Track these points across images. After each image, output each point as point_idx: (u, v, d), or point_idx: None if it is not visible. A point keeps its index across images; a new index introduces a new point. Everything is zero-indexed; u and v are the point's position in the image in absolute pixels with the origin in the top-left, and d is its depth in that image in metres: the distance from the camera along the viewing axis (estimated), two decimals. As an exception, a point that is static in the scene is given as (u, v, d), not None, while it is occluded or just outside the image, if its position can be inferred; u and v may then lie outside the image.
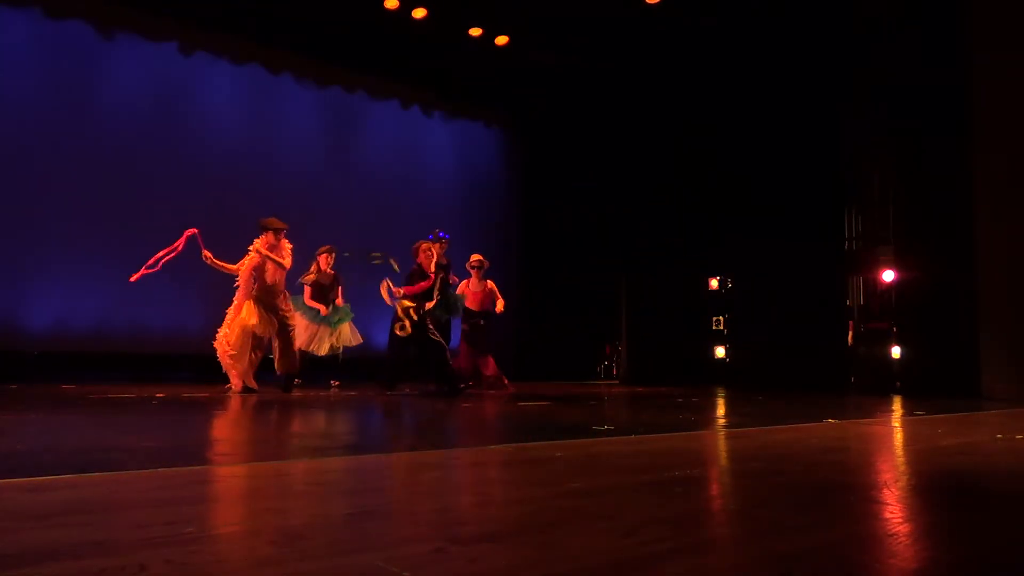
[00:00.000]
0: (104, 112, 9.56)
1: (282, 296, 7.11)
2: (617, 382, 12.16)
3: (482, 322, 8.47)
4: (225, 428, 4.21)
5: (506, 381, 8.36)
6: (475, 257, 8.64)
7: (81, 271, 9.08)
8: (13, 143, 8.83)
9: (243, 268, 7.04)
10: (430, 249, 7.56)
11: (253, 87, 10.78)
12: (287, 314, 7.10)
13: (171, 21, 9.95)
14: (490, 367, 8.41)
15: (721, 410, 6.12)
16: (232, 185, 10.34)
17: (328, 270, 8.28)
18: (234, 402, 5.88)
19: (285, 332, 7.00)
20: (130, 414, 4.79)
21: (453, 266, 8.34)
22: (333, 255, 8.32)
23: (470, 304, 8.42)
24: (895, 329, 9.44)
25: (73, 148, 9.22)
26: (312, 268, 8.23)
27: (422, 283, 7.29)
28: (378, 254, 7.54)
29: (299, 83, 11.16)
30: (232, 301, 7.07)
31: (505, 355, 12.55)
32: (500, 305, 8.43)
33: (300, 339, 7.80)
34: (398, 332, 7.10)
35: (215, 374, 7.16)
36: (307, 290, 8.17)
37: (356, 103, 11.70)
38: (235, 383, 6.77)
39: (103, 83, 9.62)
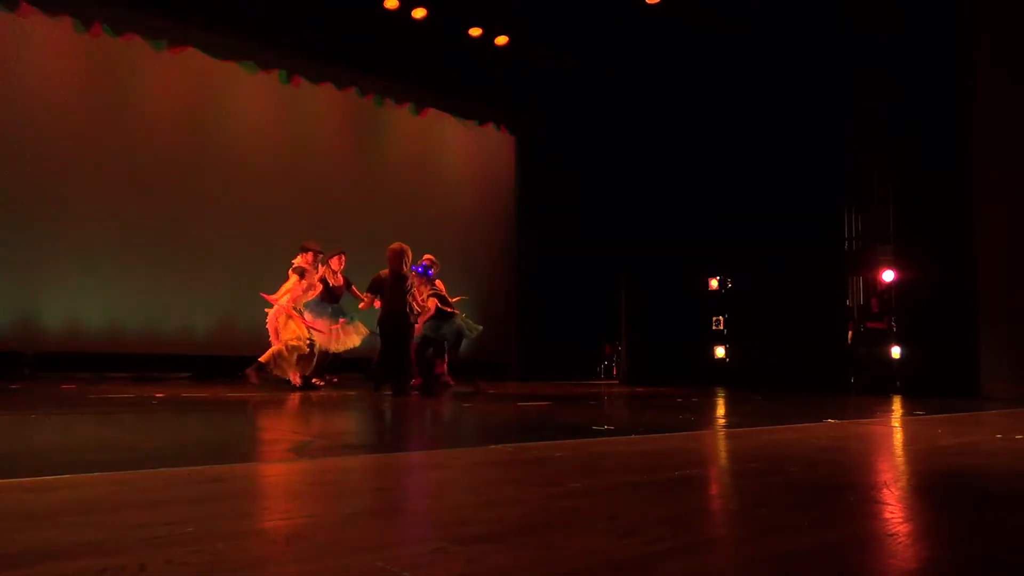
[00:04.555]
0: (109, 112, 9.58)
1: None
2: (617, 382, 12.16)
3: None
4: (225, 428, 4.21)
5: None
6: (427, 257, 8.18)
7: (84, 269, 9.09)
8: (16, 143, 8.84)
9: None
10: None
11: (252, 87, 10.79)
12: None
13: (185, 27, 9.95)
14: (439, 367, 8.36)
15: (721, 410, 6.12)
16: (231, 183, 10.36)
17: (340, 273, 8.47)
18: (233, 402, 5.89)
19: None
20: (130, 414, 4.79)
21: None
22: (344, 258, 8.48)
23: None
24: (895, 329, 9.44)
25: (75, 147, 9.23)
26: (323, 271, 8.24)
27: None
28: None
29: (297, 83, 11.16)
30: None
31: (506, 355, 12.58)
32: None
33: (320, 339, 7.99)
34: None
35: (216, 375, 7.18)
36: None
37: (354, 103, 11.71)
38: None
39: (117, 87, 9.66)
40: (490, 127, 12.98)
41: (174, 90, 10.11)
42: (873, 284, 9.86)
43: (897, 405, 6.60)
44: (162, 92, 10.00)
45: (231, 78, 10.64)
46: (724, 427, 4.70)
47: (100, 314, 9.04)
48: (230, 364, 9.57)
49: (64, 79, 9.29)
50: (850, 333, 10.02)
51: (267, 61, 10.80)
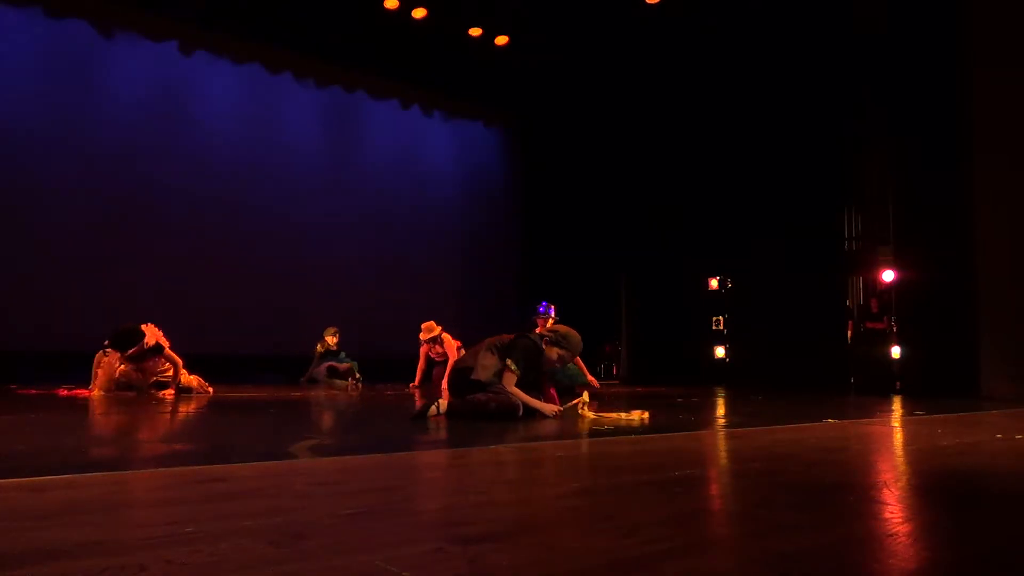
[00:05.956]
0: (104, 111, 9.57)
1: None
2: (617, 382, 12.16)
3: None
4: (224, 428, 4.21)
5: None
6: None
7: (82, 269, 9.08)
8: (15, 142, 8.84)
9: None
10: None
11: (253, 87, 10.79)
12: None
13: (171, 20, 9.95)
14: None
15: (721, 410, 6.12)
16: (231, 183, 10.36)
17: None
18: (232, 402, 5.89)
19: None
20: (129, 414, 4.79)
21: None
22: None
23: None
24: (895, 329, 9.44)
25: (74, 147, 9.23)
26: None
27: None
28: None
29: (299, 83, 11.17)
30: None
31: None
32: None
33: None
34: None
35: (216, 374, 7.20)
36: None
37: (356, 103, 11.71)
38: None
39: (103, 83, 9.64)
40: (494, 128, 13.00)
41: (169, 88, 10.10)
42: (873, 284, 9.86)
43: (897, 405, 6.60)
44: (156, 89, 9.99)
45: (234, 79, 10.64)
46: (724, 427, 4.70)
47: (100, 314, 9.04)
48: (231, 363, 9.59)
49: (61, 79, 9.29)
50: (850, 333, 10.02)
51: (273, 64, 10.82)
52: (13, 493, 1.96)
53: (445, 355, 9.39)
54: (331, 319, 10.12)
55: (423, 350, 9.37)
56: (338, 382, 9.49)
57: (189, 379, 6.83)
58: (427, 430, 3.95)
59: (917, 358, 9.01)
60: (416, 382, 9.15)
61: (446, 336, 9.50)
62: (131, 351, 6.44)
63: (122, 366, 6.60)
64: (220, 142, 10.36)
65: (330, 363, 9.77)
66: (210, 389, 6.93)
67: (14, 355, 8.44)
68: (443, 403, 4.31)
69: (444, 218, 12.24)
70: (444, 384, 8.36)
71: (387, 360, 10.60)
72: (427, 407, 4.27)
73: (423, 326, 9.36)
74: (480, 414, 4.23)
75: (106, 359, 6.59)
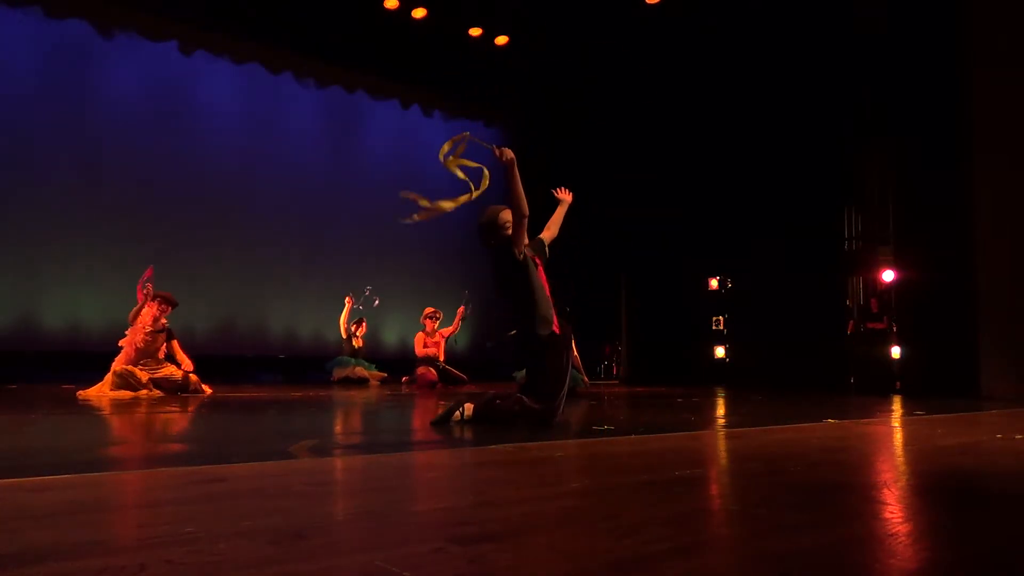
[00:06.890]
0: (104, 111, 9.57)
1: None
2: (617, 382, 12.16)
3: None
4: (224, 428, 4.21)
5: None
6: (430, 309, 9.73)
7: (82, 270, 9.08)
8: (14, 143, 8.84)
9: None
10: None
11: (253, 87, 10.78)
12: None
13: (171, 20, 9.94)
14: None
15: (721, 410, 6.12)
16: (231, 184, 10.36)
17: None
18: (232, 402, 5.89)
19: None
20: (129, 414, 4.79)
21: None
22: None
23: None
24: (895, 329, 9.44)
25: (74, 147, 9.22)
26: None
27: None
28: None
29: (299, 83, 11.16)
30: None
31: (505, 356, 12.58)
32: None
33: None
34: None
35: (215, 374, 7.19)
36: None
37: (356, 103, 11.71)
38: None
39: (103, 83, 9.64)
40: (494, 128, 13.00)
41: (169, 88, 10.10)
42: (873, 284, 9.86)
43: (897, 405, 6.60)
44: (164, 93, 9.99)
45: (234, 79, 10.64)
46: (724, 427, 4.69)
47: (100, 314, 9.05)
48: (230, 364, 9.60)
49: (61, 79, 9.29)
50: (850, 333, 10.02)
51: (274, 64, 10.81)
52: (13, 493, 1.96)
53: (436, 350, 9.50)
54: (330, 318, 10.13)
55: (420, 340, 9.46)
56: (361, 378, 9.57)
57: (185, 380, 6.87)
58: (428, 430, 3.95)
59: (917, 358, 9.00)
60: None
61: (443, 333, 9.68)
62: (167, 306, 7.07)
63: (140, 340, 6.82)
64: (220, 142, 10.36)
65: (349, 370, 9.58)
66: (207, 389, 6.94)
67: (13, 355, 8.44)
68: (468, 408, 4.06)
69: (444, 218, 12.22)
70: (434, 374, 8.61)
71: (386, 359, 10.60)
72: (451, 412, 4.05)
73: (429, 310, 9.53)
74: (509, 421, 4.00)
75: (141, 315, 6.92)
